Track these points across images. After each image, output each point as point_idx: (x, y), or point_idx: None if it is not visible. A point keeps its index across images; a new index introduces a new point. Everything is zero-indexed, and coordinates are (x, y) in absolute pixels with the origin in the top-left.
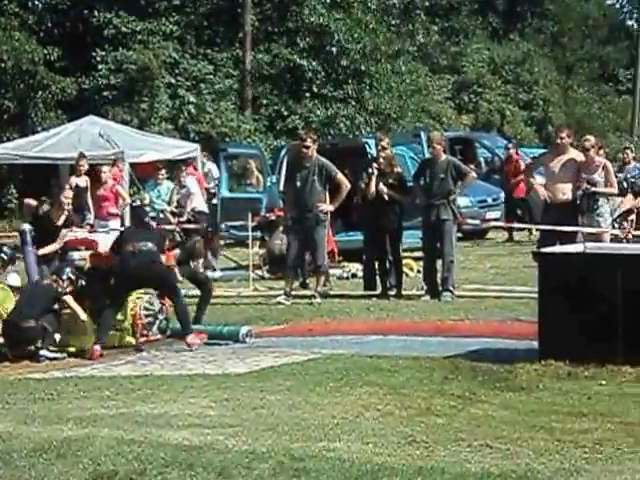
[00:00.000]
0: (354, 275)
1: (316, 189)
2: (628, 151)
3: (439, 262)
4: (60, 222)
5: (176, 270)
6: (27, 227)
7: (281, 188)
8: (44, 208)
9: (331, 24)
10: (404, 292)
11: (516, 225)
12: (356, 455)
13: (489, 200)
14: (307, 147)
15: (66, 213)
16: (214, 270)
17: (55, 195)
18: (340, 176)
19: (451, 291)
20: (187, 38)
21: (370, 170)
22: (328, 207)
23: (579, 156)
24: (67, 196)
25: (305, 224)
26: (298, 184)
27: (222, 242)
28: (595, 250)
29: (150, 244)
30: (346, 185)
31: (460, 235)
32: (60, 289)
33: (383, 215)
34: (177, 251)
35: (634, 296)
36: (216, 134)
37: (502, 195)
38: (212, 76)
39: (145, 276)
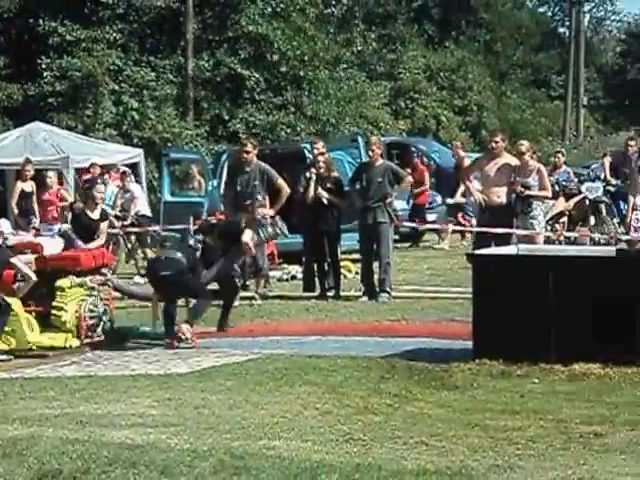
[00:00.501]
0: (294, 277)
1: (256, 194)
2: (559, 155)
3: (376, 264)
4: (96, 216)
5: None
6: (66, 226)
7: (222, 192)
8: (79, 206)
9: (270, 32)
10: (342, 293)
11: (453, 227)
12: (295, 453)
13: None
14: (248, 152)
15: (100, 207)
16: None
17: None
18: (281, 181)
19: (388, 292)
20: (130, 46)
21: (308, 175)
22: (269, 211)
23: (513, 160)
24: (100, 190)
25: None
26: (239, 188)
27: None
28: (528, 252)
29: None
30: (286, 190)
31: (397, 237)
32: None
33: (321, 218)
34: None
35: (565, 296)
36: (159, 139)
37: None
38: (155, 83)
39: None
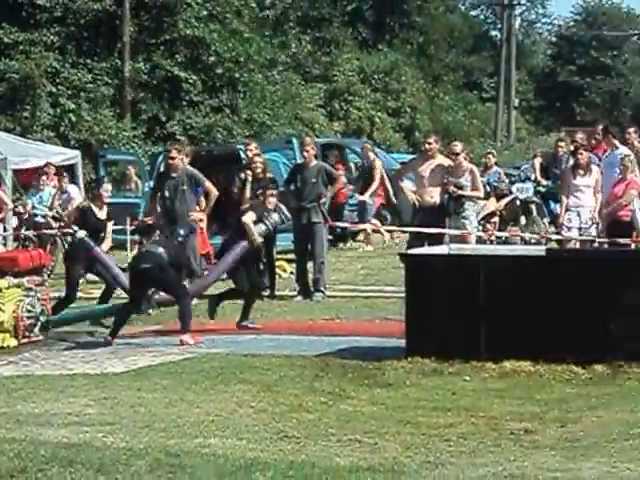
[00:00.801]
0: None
1: (186, 198)
2: (490, 156)
3: (311, 264)
4: (103, 215)
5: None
6: (83, 232)
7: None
8: (85, 204)
9: (206, 35)
10: (277, 293)
11: (385, 228)
12: (230, 451)
13: None
14: (173, 158)
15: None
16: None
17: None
18: (209, 184)
19: (322, 292)
20: (68, 48)
21: (244, 176)
22: (199, 215)
23: (446, 161)
24: (107, 189)
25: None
26: (167, 194)
27: None
28: (459, 251)
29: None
30: (215, 193)
31: (331, 237)
32: None
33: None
34: None
35: (496, 295)
36: (95, 141)
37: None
38: (92, 85)
39: None
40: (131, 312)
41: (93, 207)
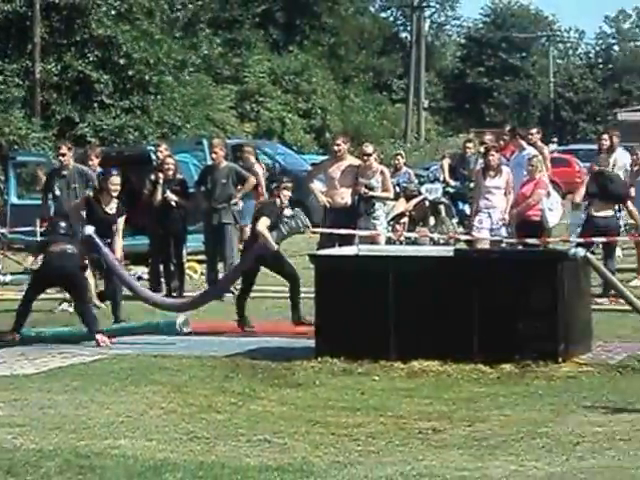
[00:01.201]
0: (140, 278)
1: (77, 197)
2: (399, 157)
3: (221, 265)
4: (112, 210)
5: None
6: (91, 229)
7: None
8: (90, 194)
9: (118, 35)
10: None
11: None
12: (140, 452)
13: None
14: (63, 155)
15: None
16: (4, 275)
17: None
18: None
19: (233, 292)
20: None
21: (154, 177)
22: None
23: (356, 162)
24: (115, 182)
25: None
26: (57, 192)
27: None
28: (368, 252)
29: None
30: None
31: None
32: None
33: (168, 220)
34: None
35: (404, 295)
36: (5, 142)
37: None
38: (2, 86)
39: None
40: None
41: (101, 201)
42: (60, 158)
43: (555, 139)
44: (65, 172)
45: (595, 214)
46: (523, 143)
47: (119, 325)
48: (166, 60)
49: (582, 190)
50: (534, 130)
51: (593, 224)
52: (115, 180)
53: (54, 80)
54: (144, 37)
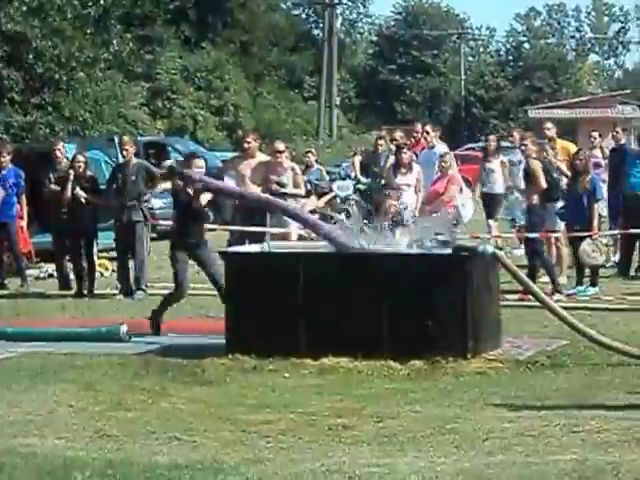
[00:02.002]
0: (51, 275)
1: None
2: (310, 154)
3: (132, 262)
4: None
5: None
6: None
7: None
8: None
9: (27, 31)
10: (100, 291)
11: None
12: (49, 450)
13: None
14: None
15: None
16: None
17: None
18: None
19: (144, 290)
20: None
21: (64, 174)
22: None
23: (266, 159)
24: (200, 165)
25: None
26: None
27: None
28: (278, 249)
29: None
30: None
31: (154, 235)
32: None
33: (77, 217)
34: None
35: (315, 292)
36: None
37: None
38: None
39: None
40: None
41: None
42: None
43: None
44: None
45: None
46: (434, 140)
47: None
48: (77, 56)
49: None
50: (549, 125)
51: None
52: (199, 163)
53: None
54: (55, 33)
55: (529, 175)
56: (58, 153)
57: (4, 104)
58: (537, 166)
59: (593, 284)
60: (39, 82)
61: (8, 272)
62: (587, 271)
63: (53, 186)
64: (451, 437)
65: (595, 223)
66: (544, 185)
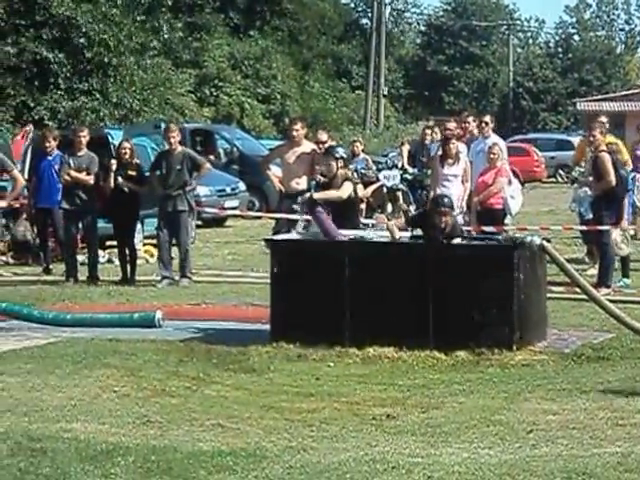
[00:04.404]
0: (110, 261)
1: None
2: (357, 143)
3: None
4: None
5: None
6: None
7: (26, 177)
8: None
9: (78, 16)
10: (145, 277)
11: (251, 213)
12: (92, 435)
13: (228, 190)
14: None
15: None
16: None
17: None
18: (16, 172)
19: (189, 277)
20: None
21: (107, 164)
22: (1, 203)
23: (313, 148)
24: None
25: None
26: None
27: None
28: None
29: None
30: (21, 182)
31: (200, 223)
32: None
33: (122, 205)
34: None
35: (360, 281)
36: None
37: (241, 185)
38: None
39: None
40: None
41: None
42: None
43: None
44: None
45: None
46: (488, 130)
47: (90, 316)
48: (127, 43)
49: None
50: (603, 119)
51: None
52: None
53: (11, 62)
54: (104, 19)
55: (597, 168)
56: (82, 140)
57: (51, 89)
58: (607, 160)
59: (625, 275)
60: (87, 67)
61: (54, 257)
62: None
63: (73, 172)
64: (495, 428)
65: (624, 215)
66: (613, 181)
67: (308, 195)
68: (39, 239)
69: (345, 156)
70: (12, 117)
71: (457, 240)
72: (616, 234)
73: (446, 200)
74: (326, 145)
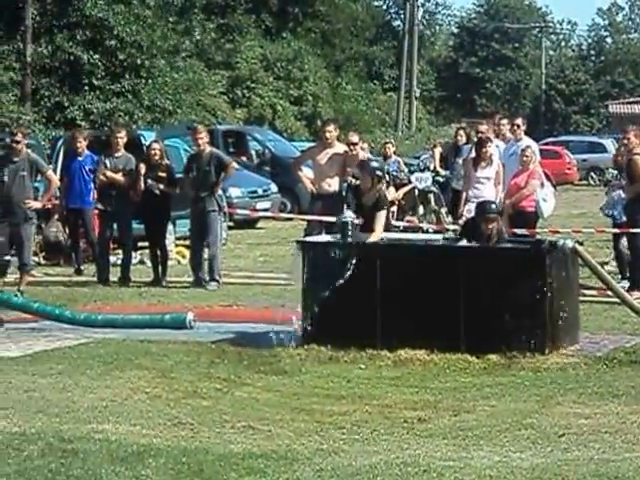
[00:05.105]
0: (142, 262)
1: (24, 185)
2: (389, 145)
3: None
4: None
5: None
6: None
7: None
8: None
9: (111, 18)
10: (176, 279)
11: (283, 215)
12: (124, 436)
13: (259, 191)
14: (17, 142)
15: None
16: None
17: None
18: (50, 173)
19: (217, 280)
20: None
21: (136, 166)
22: (35, 204)
23: (345, 149)
24: None
25: (12, 220)
26: (6, 179)
27: None
28: (356, 239)
29: None
30: (55, 182)
31: (231, 224)
32: None
33: (153, 206)
34: None
35: (391, 283)
36: None
37: (273, 186)
38: None
39: None
40: None
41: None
42: (13, 145)
43: None
44: (16, 159)
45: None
46: (520, 133)
47: (121, 317)
48: (159, 44)
49: None
50: (504, 121)
51: None
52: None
53: (45, 62)
54: (137, 21)
55: (631, 171)
56: (119, 141)
57: (84, 90)
58: None
59: None
60: (120, 68)
61: (85, 258)
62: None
63: (109, 173)
64: (527, 432)
65: None
66: None
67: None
68: (70, 240)
69: (380, 174)
70: (45, 118)
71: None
72: None
73: (493, 206)
74: (360, 155)
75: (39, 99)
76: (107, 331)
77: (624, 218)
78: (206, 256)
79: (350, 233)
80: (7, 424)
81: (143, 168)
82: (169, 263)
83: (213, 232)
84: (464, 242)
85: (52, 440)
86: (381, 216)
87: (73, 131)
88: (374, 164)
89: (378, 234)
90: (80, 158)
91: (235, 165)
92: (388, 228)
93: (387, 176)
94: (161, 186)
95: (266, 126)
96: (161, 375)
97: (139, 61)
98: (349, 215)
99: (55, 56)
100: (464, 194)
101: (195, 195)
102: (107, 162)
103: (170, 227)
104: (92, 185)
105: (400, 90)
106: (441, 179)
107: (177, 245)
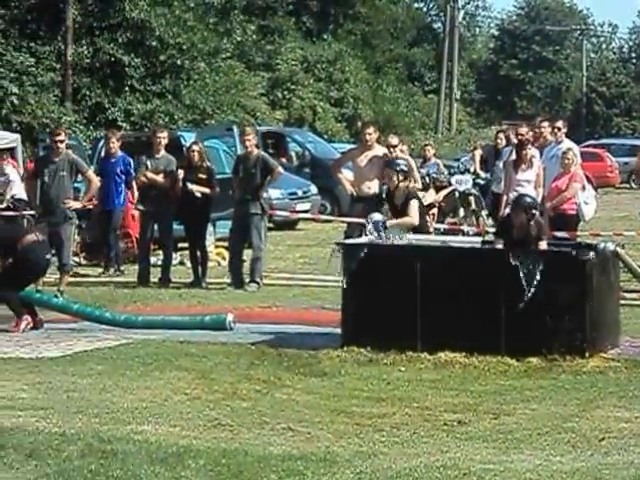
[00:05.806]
0: (182, 263)
1: (64, 184)
2: (429, 147)
3: (248, 252)
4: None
5: None
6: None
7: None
8: None
9: (152, 19)
10: (216, 280)
11: (322, 217)
12: (163, 437)
13: (299, 193)
14: (61, 141)
15: None
16: None
17: None
18: (90, 173)
19: (257, 283)
20: (11, 31)
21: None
22: (75, 204)
23: (384, 151)
24: None
25: (52, 220)
26: (46, 179)
27: None
28: (389, 235)
29: None
30: (95, 182)
31: (271, 225)
32: None
33: (192, 208)
34: None
35: (432, 286)
36: (38, 125)
37: (313, 188)
38: (34, 69)
39: None
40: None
41: None
42: (54, 145)
43: None
44: (56, 159)
45: None
46: (561, 135)
47: (161, 318)
48: (200, 46)
49: None
50: (546, 123)
51: None
52: None
53: (85, 63)
54: (178, 22)
55: None
56: (161, 142)
57: (125, 91)
58: None
59: None
60: (160, 70)
61: (125, 259)
62: None
63: (149, 174)
64: (567, 436)
65: None
66: None
67: (376, 217)
68: (103, 241)
69: (406, 169)
70: (85, 118)
71: (544, 242)
72: None
73: (528, 199)
74: (394, 152)
75: (80, 100)
76: (147, 332)
77: None
78: (247, 258)
79: (380, 233)
80: (47, 424)
81: (181, 173)
82: (209, 264)
83: (257, 235)
84: (500, 243)
85: (92, 441)
86: (413, 204)
87: (106, 132)
88: (398, 161)
89: (413, 218)
90: (113, 159)
91: (281, 170)
92: (428, 230)
93: (427, 178)
94: (200, 188)
95: (306, 128)
96: (201, 376)
97: (179, 62)
98: (377, 216)
99: (96, 57)
100: (504, 197)
101: (240, 197)
102: (148, 163)
103: (210, 228)
104: (123, 186)
105: (440, 92)
106: (481, 182)
107: (217, 246)
